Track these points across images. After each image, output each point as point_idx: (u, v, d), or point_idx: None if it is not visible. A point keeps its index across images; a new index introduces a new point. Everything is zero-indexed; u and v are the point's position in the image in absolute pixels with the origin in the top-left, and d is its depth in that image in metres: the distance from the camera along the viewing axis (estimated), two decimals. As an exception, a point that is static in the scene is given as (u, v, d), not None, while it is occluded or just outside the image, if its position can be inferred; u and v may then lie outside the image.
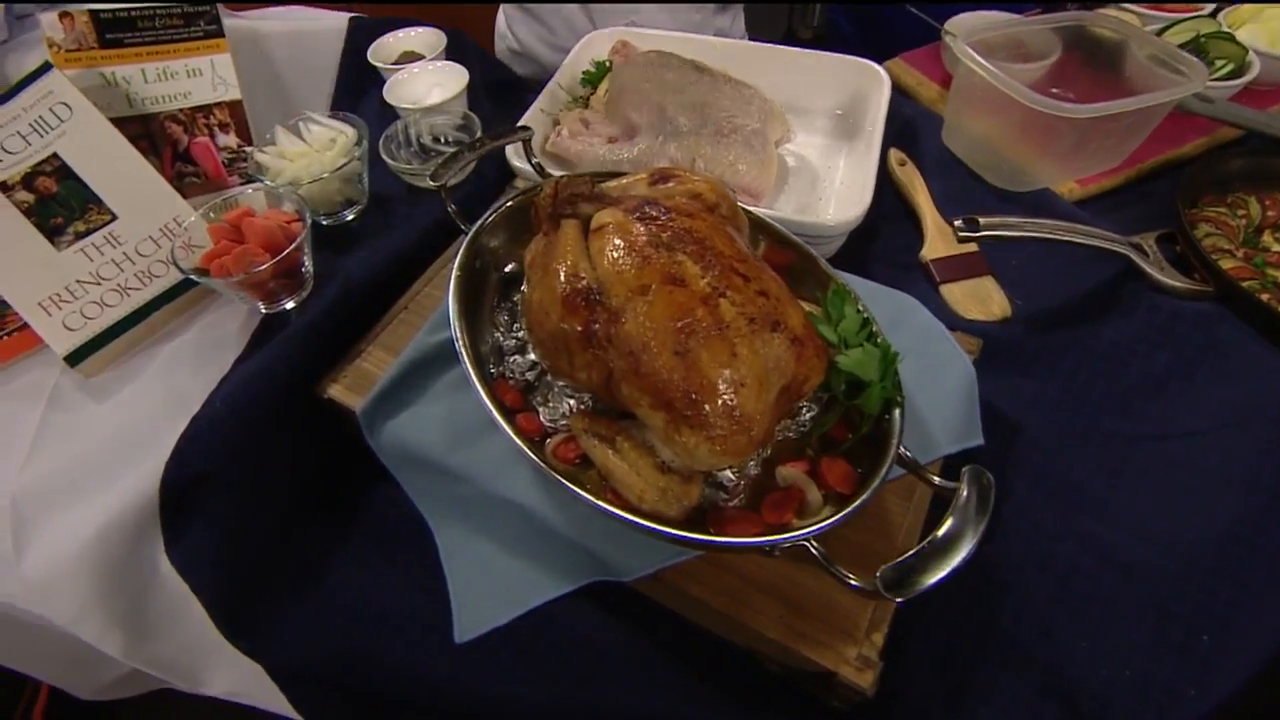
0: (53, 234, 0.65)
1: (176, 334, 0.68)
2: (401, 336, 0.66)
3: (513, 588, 0.57)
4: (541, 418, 0.56)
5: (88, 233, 0.66)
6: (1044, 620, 0.56)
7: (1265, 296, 0.71)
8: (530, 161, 0.69)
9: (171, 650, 0.64)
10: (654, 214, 0.50)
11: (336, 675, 0.59)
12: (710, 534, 0.48)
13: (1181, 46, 0.88)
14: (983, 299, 0.74)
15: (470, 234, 0.60)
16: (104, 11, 0.72)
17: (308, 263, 0.69)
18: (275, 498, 0.62)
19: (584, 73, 0.88)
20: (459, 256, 0.59)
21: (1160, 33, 0.91)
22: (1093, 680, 0.53)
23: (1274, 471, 0.61)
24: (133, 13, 0.73)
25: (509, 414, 0.55)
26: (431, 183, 0.62)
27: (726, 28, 1.15)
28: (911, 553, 0.42)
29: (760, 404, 0.46)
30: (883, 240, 0.79)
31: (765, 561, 0.51)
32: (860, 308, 0.55)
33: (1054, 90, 0.90)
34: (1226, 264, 0.74)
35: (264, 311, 0.68)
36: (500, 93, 0.95)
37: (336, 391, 0.63)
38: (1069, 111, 0.71)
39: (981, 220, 0.68)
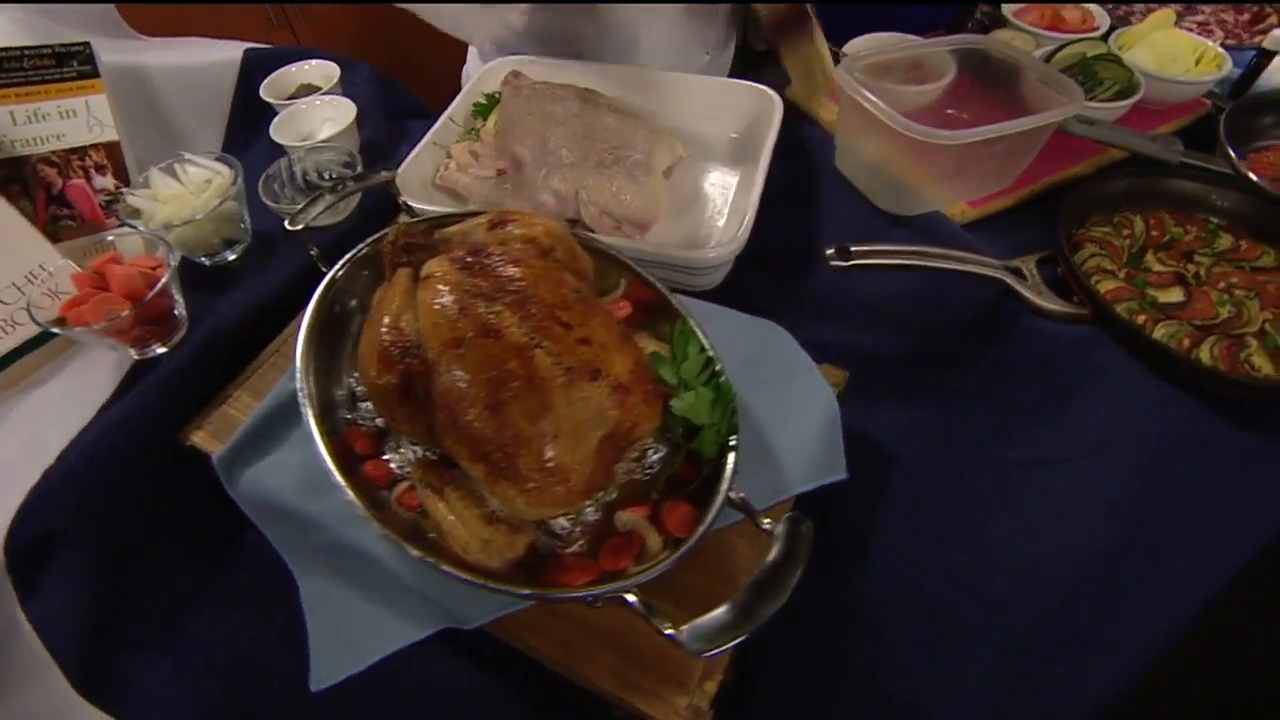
0: (-93, 286, 0.64)
1: (43, 382, 0.67)
2: (271, 381, 0.66)
3: (368, 636, 0.56)
4: (392, 465, 0.55)
5: (-55, 283, 0.65)
6: (904, 656, 0.56)
7: (1142, 318, 0.71)
8: (398, 201, 0.69)
9: (36, 706, 0.63)
10: (479, 262, 0.49)
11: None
12: (543, 583, 0.48)
13: (1070, 68, 0.89)
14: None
15: (325, 280, 0.59)
16: (-31, 56, 0.71)
17: (180, 307, 0.68)
18: (136, 551, 0.61)
19: (475, 104, 0.88)
20: (313, 302, 0.58)
21: (1052, 55, 0.92)
22: (947, 717, 0.53)
23: (1134, 498, 0.61)
24: None
25: (357, 461, 0.55)
26: (289, 227, 0.62)
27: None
28: (722, 609, 0.42)
29: (576, 455, 0.46)
30: (772, 268, 0.79)
31: (602, 610, 0.51)
32: (705, 346, 0.55)
33: (949, 111, 0.91)
34: (1107, 285, 0.74)
35: (135, 358, 0.67)
36: (398, 122, 0.94)
37: (199, 439, 0.63)
38: (941, 138, 0.71)
39: (853, 248, 0.68)
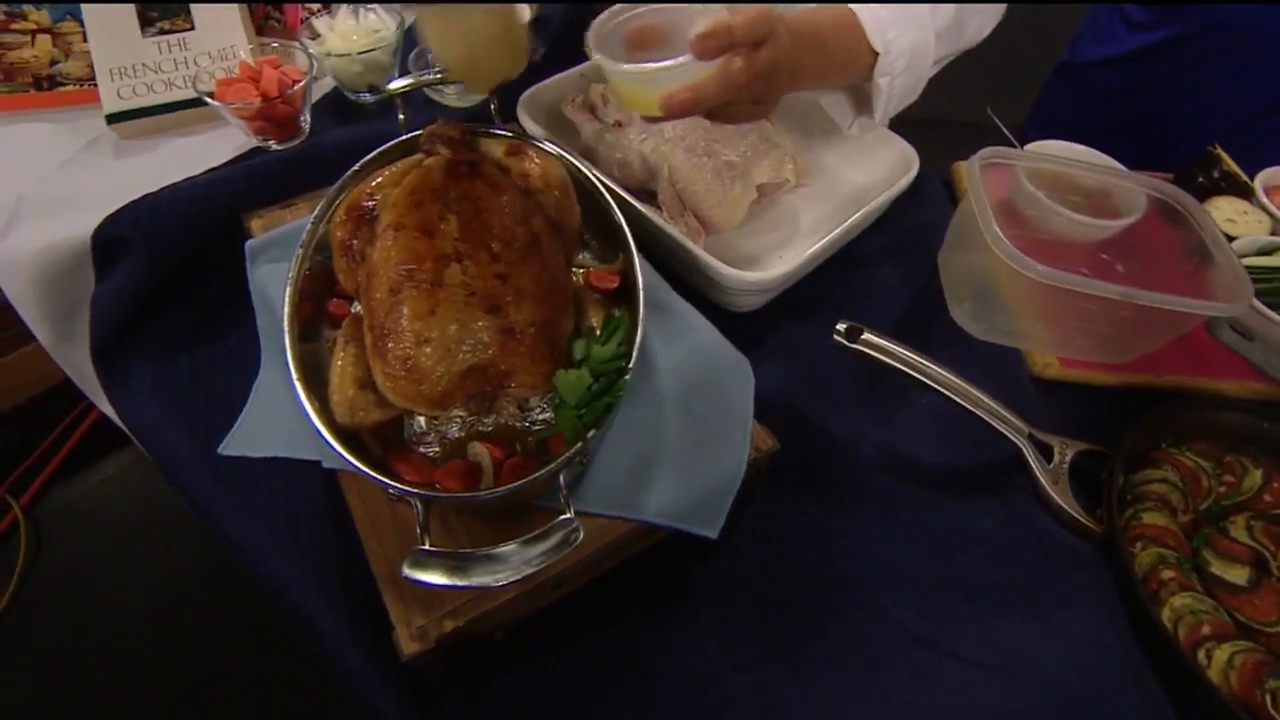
0: (145, 23, 0.81)
1: (193, 134, 0.82)
2: (327, 205, 0.75)
3: (279, 435, 0.65)
4: (350, 310, 0.62)
5: (170, 32, 0.81)
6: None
7: (1169, 574, 0.58)
8: (490, 105, 0.74)
9: (80, 362, 0.80)
10: (461, 171, 0.53)
11: (140, 437, 0.71)
12: (386, 460, 0.52)
13: (1275, 271, 0.72)
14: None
15: (392, 142, 0.66)
16: None
17: (305, 117, 0.80)
18: (174, 287, 0.74)
19: (628, 55, 0.90)
20: (372, 154, 0.66)
21: (1275, 249, 0.74)
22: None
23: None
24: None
25: (330, 295, 0.62)
26: (386, 88, 0.69)
27: None
28: (456, 551, 0.43)
29: (440, 366, 0.48)
30: (804, 320, 0.75)
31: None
32: (631, 342, 0.54)
33: (1104, 256, 0.78)
34: (1154, 518, 0.61)
35: (254, 144, 0.80)
36: (572, 47, 1.00)
37: (255, 225, 0.74)
38: (1032, 271, 0.62)
39: (865, 334, 0.63)
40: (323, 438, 0.49)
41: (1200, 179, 0.83)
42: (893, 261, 0.81)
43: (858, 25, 0.65)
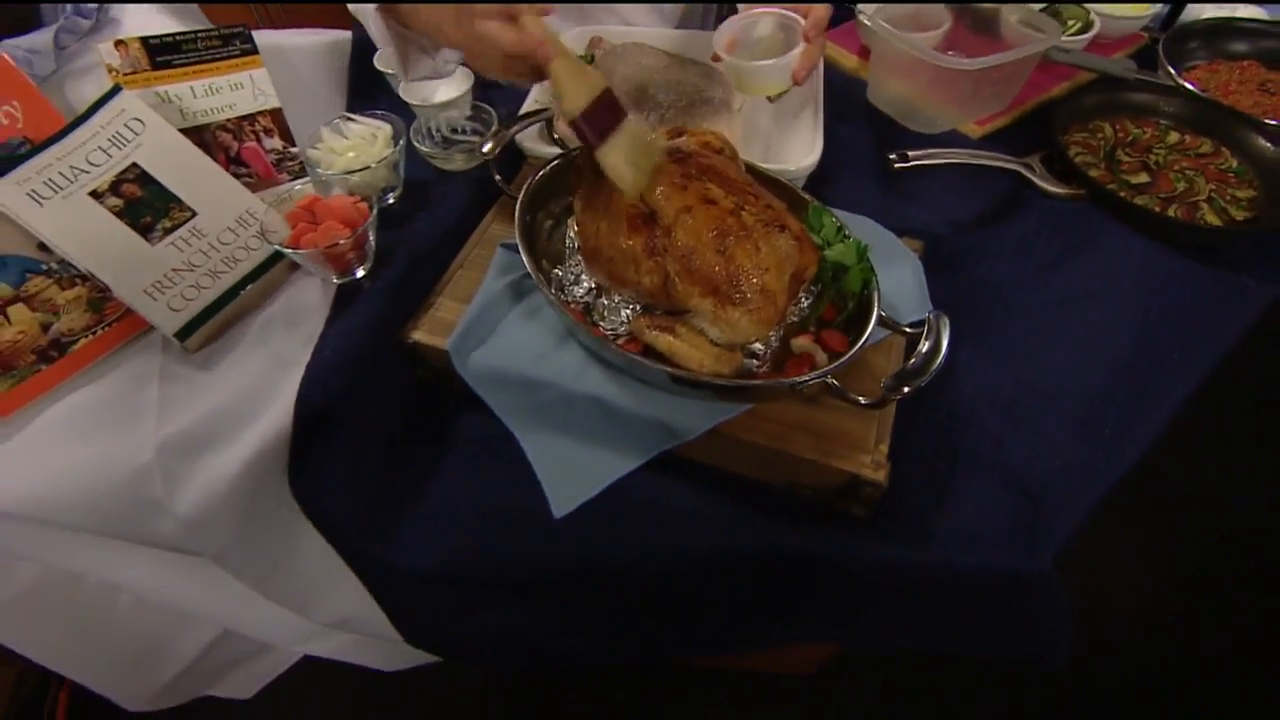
0: (144, 232, 0.74)
1: (264, 308, 0.78)
2: (464, 288, 0.79)
3: (594, 469, 0.71)
4: (603, 329, 0.70)
5: (174, 228, 0.75)
6: (996, 437, 0.74)
7: (1122, 194, 0.93)
8: (553, 138, 0.83)
9: (292, 583, 0.75)
10: (681, 156, 0.65)
11: (454, 570, 0.71)
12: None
13: (1041, 11, 1.10)
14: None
15: (525, 191, 0.74)
16: (153, 38, 0.82)
17: (372, 237, 0.81)
18: (382, 428, 0.74)
19: (571, 65, 1.02)
20: (519, 209, 0.73)
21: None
22: (1035, 471, 0.72)
23: (1138, 315, 0.82)
24: (178, 38, 0.82)
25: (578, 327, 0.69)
26: (483, 154, 0.76)
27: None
28: (907, 366, 0.59)
29: (780, 283, 0.62)
30: (830, 177, 0.97)
31: (792, 407, 0.67)
32: (834, 218, 0.72)
33: (950, 53, 1.11)
34: (1094, 173, 0.96)
35: (336, 282, 0.79)
36: (492, 86, 1.08)
37: (420, 335, 0.76)
38: (965, 65, 0.91)
39: (910, 153, 0.87)
40: (749, 385, 0.61)
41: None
42: (840, 120, 1.06)
43: None
